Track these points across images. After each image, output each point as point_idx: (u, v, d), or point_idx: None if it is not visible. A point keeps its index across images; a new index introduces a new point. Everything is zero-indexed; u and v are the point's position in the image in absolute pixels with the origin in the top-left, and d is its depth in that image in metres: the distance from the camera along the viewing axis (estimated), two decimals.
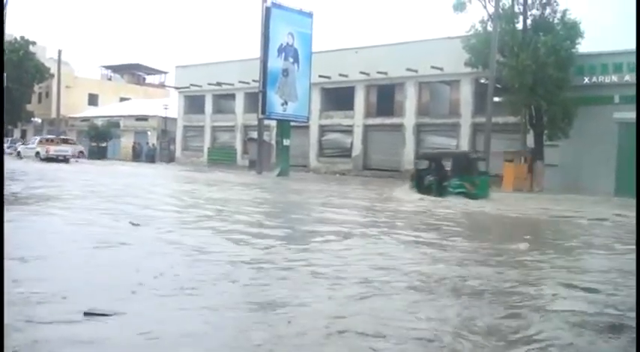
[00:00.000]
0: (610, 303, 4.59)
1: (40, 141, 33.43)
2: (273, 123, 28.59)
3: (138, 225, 8.14)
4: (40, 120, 49.54)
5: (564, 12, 20.53)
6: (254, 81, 27.75)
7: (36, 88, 48.42)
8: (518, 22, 20.91)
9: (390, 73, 28.23)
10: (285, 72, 26.13)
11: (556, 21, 20.67)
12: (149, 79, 64.16)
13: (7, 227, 5.05)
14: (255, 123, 28.38)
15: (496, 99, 21.44)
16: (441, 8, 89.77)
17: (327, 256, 6.36)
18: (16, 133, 50.53)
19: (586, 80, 21.16)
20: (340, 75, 29.79)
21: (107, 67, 61.76)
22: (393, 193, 16.78)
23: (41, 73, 45.48)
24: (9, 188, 12.40)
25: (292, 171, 26.48)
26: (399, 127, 28.38)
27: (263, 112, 25.76)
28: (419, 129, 27.92)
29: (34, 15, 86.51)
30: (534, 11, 21.02)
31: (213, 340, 3.45)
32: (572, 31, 20.21)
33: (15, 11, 74.49)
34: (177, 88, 39.74)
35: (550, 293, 4.94)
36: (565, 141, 20.23)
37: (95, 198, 12.24)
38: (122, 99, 54.50)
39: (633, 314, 4.08)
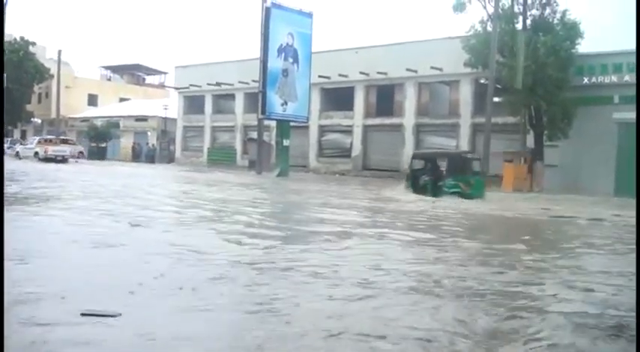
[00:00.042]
0: (610, 304, 4.59)
1: (39, 142, 33.45)
2: (273, 123, 28.59)
3: (137, 225, 8.14)
4: (39, 121, 49.55)
5: (564, 12, 20.54)
6: (254, 81, 27.76)
7: (36, 88, 48.44)
8: (517, 23, 20.91)
9: (390, 73, 28.24)
10: (285, 72, 26.13)
11: (556, 21, 20.67)
12: (149, 79, 64.19)
13: (7, 227, 5.04)
14: (255, 123, 28.39)
15: (496, 99, 21.43)
16: (441, 8, 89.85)
17: (326, 256, 6.35)
18: (16, 134, 50.52)
19: (586, 80, 21.16)
20: (340, 75, 29.79)
21: (107, 68, 61.79)
22: (387, 193, 16.80)
23: (41, 73, 45.49)
24: (9, 188, 12.40)
25: (292, 172, 26.48)
26: (399, 127, 28.38)
27: (263, 112, 25.77)
28: (418, 129, 27.92)
29: (34, 15, 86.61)
30: (534, 11, 21.02)
31: (212, 341, 3.44)
32: (572, 31, 20.21)
33: (15, 11, 74.58)
34: (176, 89, 39.74)
35: (550, 294, 4.93)
36: (565, 141, 20.23)
37: (94, 198, 12.22)
38: (122, 100, 54.52)
39: (631, 314, 4.08)
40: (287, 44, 26.12)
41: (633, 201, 12.23)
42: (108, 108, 49.82)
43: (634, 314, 4.03)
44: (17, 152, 33.97)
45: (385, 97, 29.26)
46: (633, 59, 18.60)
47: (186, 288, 4.59)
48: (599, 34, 22.74)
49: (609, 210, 13.31)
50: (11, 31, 43.77)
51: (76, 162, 32.07)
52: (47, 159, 29.77)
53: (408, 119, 28.12)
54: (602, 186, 19.43)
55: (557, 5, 20.73)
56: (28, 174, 19.28)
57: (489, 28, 20.70)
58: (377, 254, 6.65)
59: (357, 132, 30.04)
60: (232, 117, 35.84)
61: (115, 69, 61.36)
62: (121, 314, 3.73)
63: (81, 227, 7.88)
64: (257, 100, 26.54)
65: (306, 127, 30.38)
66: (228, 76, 34.46)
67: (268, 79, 25.37)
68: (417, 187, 16.33)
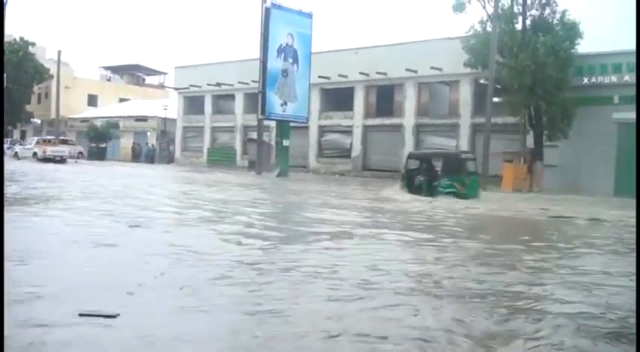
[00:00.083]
0: (609, 305, 4.59)
1: (37, 142, 33.53)
2: (273, 123, 28.58)
3: (137, 226, 8.14)
4: (39, 121, 49.52)
5: (563, 12, 20.52)
6: (253, 81, 27.75)
7: (35, 88, 48.41)
8: (517, 23, 20.90)
9: (390, 73, 28.24)
10: (285, 72, 26.13)
11: (555, 21, 20.67)
12: (148, 79, 64.20)
13: (7, 227, 5.03)
14: (255, 123, 28.38)
15: (495, 99, 21.43)
16: (441, 9, 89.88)
17: (326, 257, 6.35)
18: (16, 134, 50.50)
19: (585, 80, 21.15)
20: (340, 75, 29.78)
21: (106, 68, 61.79)
22: (384, 193, 16.82)
23: (41, 73, 45.46)
24: (8, 189, 12.39)
25: (292, 172, 26.49)
26: (399, 128, 28.38)
27: (262, 113, 25.77)
28: (418, 129, 27.92)
29: (34, 16, 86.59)
30: (534, 11, 21.01)
31: (212, 341, 3.44)
32: (572, 31, 20.20)
33: (15, 12, 74.57)
34: (176, 89, 39.73)
35: (550, 295, 4.93)
36: (564, 141, 20.22)
37: (94, 199, 12.22)
38: (121, 100, 54.50)
39: (626, 314, 4.09)
40: (287, 44, 26.12)
41: (633, 202, 12.22)
42: (108, 109, 49.81)
43: (633, 315, 4.03)
44: (16, 152, 34.01)
45: (385, 98, 29.25)
46: (633, 59, 18.59)
47: (186, 289, 4.59)
48: (599, 34, 22.74)
49: (608, 211, 13.30)
50: (11, 32, 43.81)
51: (76, 162, 32.07)
52: (46, 160, 29.81)
53: (408, 119, 28.12)
54: (601, 186, 19.43)
55: (556, 5, 20.72)
56: (27, 174, 19.29)
57: (489, 29, 20.69)
58: (376, 254, 6.65)
59: (357, 133, 30.04)
60: (232, 118, 35.84)
61: (114, 69, 61.36)
62: (119, 315, 3.72)
63: (80, 227, 7.89)
64: (257, 101, 26.53)
65: (306, 128, 30.37)
66: (228, 77, 34.45)
67: (268, 80, 25.38)
68: (412, 187, 16.43)
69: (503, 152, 21.23)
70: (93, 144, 40.54)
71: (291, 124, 27.26)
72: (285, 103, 26.24)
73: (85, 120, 46.11)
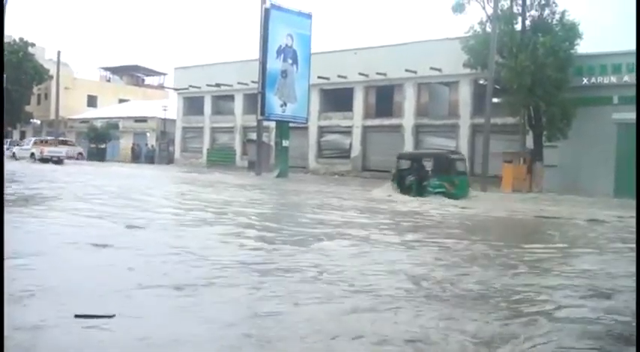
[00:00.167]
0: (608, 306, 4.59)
1: (35, 143, 33.60)
2: (272, 124, 28.58)
3: (136, 227, 8.12)
4: (39, 122, 49.54)
5: (563, 13, 20.54)
6: (253, 82, 27.76)
7: (35, 89, 48.41)
8: (517, 23, 20.91)
9: (389, 74, 28.25)
10: (284, 73, 26.14)
11: (555, 22, 20.68)
12: (148, 80, 64.22)
13: (6, 228, 5.02)
14: (254, 124, 28.39)
15: (495, 100, 21.43)
16: (440, 9, 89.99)
17: (326, 257, 6.34)
18: (15, 135, 50.50)
19: (585, 81, 21.16)
20: (339, 76, 29.79)
21: (106, 69, 61.83)
22: (372, 193, 16.86)
23: (40, 74, 45.47)
24: (8, 189, 12.37)
25: (291, 172, 26.48)
26: (398, 128, 28.38)
27: (262, 113, 25.77)
28: (418, 130, 27.92)
29: (34, 16, 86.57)
30: (533, 12, 21.02)
31: (210, 343, 3.43)
32: (571, 32, 20.21)
33: (14, 12, 74.57)
34: (176, 90, 39.75)
35: (551, 297, 4.93)
36: (564, 141, 20.22)
37: (93, 199, 12.19)
38: (121, 101, 54.50)
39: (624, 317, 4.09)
40: (286, 45, 26.13)
41: (633, 202, 12.23)
42: (107, 110, 49.81)
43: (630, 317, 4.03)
44: (14, 153, 34.04)
45: (384, 98, 29.26)
46: (632, 60, 18.60)
47: (185, 290, 4.58)
48: (599, 35, 22.77)
49: (607, 211, 13.30)
50: (11, 32, 43.81)
51: (75, 162, 32.07)
52: (43, 160, 29.82)
53: (408, 120, 28.12)
54: (601, 186, 19.44)
55: (556, 6, 20.74)
56: (26, 175, 19.26)
57: (488, 29, 20.70)
58: (376, 255, 6.64)
59: (357, 133, 30.04)
60: (232, 118, 35.84)
61: (114, 70, 61.37)
62: (114, 315, 3.70)
63: (78, 228, 7.87)
64: (256, 101, 26.53)
65: (306, 128, 30.38)
66: (228, 77, 34.45)
67: (267, 80, 25.38)
68: (403, 187, 16.61)
69: (503, 152, 21.24)
70: (92, 145, 40.57)
71: (291, 125, 27.26)
72: (285, 104, 26.24)
73: (84, 120, 46.12)
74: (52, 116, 44.20)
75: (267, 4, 25.30)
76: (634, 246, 7.04)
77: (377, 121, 29.50)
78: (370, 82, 29.45)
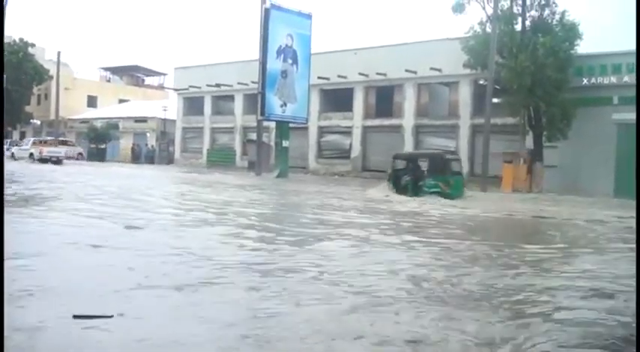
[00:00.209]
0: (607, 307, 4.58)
1: (34, 143, 33.61)
2: (272, 124, 28.57)
3: (135, 227, 8.12)
4: (39, 122, 49.53)
5: (563, 13, 20.53)
6: (253, 82, 27.75)
7: (35, 89, 48.40)
8: (517, 24, 20.91)
9: (389, 74, 28.23)
10: (284, 73, 26.13)
11: (555, 22, 20.67)
12: (148, 80, 64.20)
13: (6, 229, 5.01)
14: (254, 124, 28.38)
15: (495, 100, 21.43)
16: (440, 9, 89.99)
17: (326, 258, 6.33)
18: (15, 135, 50.49)
19: (585, 81, 21.15)
20: (339, 76, 29.77)
21: (106, 69, 61.81)
22: (368, 193, 16.86)
23: (40, 74, 45.46)
24: (8, 190, 12.37)
25: (291, 173, 26.48)
26: (398, 128, 28.37)
27: (262, 114, 25.76)
28: (418, 130, 27.91)
29: (34, 17, 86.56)
30: (533, 12, 21.01)
31: (210, 343, 3.42)
32: (571, 32, 20.21)
33: (14, 13, 74.57)
34: (176, 90, 39.73)
35: (553, 297, 4.92)
36: (564, 142, 20.21)
37: (93, 200, 12.19)
38: (121, 101, 54.49)
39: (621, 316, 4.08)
40: (286, 45, 26.12)
41: (633, 202, 12.21)
42: (107, 110, 49.78)
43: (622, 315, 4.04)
44: (12, 153, 34.05)
45: (384, 98, 29.24)
46: (632, 60, 18.59)
47: (184, 290, 4.57)
48: (599, 35, 22.75)
49: (607, 211, 13.30)
50: (11, 33, 43.81)
51: (75, 162, 32.06)
52: (42, 160, 29.83)
53: (408, 120, 28.11)
54: (601, 187, 19.43)
55: (556, 6, 20.73)
56: (25, 175, 19.25)
57: (488, 29, 20.70)
58: (376, 255, 6.64)
59: (357, 134, 30.02)
60: (232, 119, 35.83)
61: (114, 70, 61.36)
62: (113, 316, 3.70)
63: (77, 229, 7.86)
64: (256, 101, 26.52)
65: (306, 128, 30.36)
66: (228, 78, 34.44)
67: (267, 81, 25.37)
68: (398, 187, 16.71)
69: (503, 153, 21.24)
70: (93, 145, 40.55)
71: (291, 125, 27.25)
72: (285, 104, 26.24)
73: (84, 121, 46.10)
74: (52, 116, 44.19)
75: (267, 4, 25.29)
76: (634, 246, 7.04)
77: (377, 121, 29.48)
78: (370, 82, 29.44)
